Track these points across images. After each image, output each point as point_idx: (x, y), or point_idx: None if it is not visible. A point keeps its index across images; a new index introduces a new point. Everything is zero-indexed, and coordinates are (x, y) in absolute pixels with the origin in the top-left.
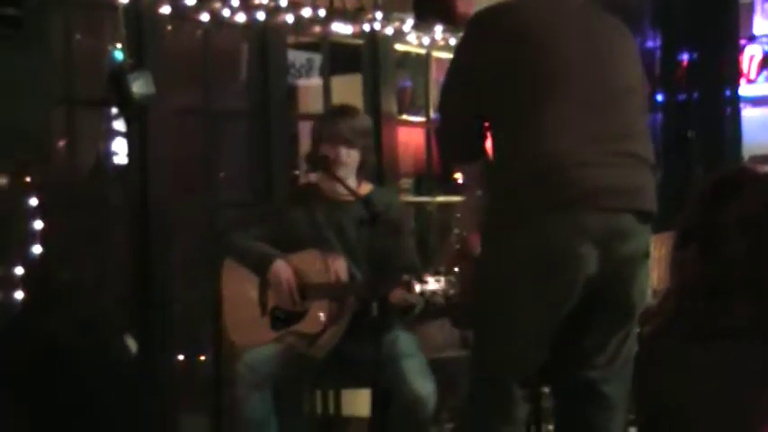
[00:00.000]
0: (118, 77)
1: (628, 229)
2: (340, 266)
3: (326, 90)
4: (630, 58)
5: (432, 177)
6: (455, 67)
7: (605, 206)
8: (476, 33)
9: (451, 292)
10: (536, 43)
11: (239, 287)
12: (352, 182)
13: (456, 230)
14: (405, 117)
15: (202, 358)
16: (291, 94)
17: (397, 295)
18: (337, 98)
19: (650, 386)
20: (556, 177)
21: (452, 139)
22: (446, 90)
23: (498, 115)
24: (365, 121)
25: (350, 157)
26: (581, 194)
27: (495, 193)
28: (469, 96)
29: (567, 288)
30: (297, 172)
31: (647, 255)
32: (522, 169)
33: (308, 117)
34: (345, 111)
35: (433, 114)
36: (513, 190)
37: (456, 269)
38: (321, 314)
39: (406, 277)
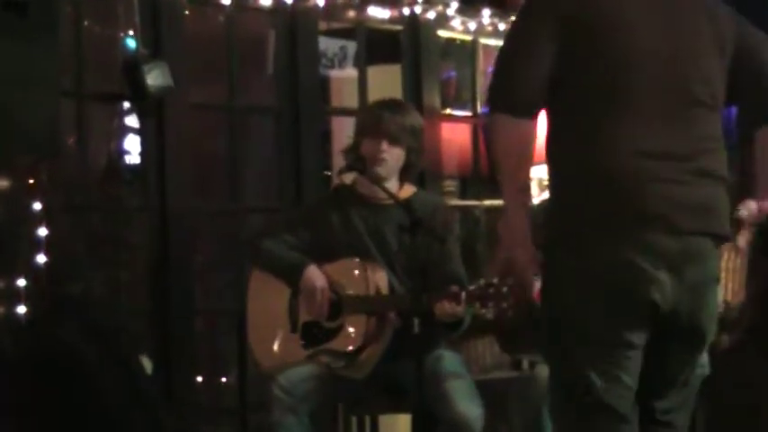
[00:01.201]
0: (131, 69)
1: (702, 252)
2: (380, 277)
3: (362, 82)
4: (717, 56)
5: (479, 178)
6: (515, 31)
7: (680, 228)
8: (530, 19)
9: (504, 305)
10: (604, 32)
11: (267, 300)
12: (392, 184)
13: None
14: (449, 111)
15: (224, 380)
16: (323, 86)
17: (443, 308)
18: (374, 90)
19: (725, 401)
20: (628, 194)
21: (511, 83)
22: (506, 53)
23: (559, 108)
24: (415, 118)
25: (392, 156)
26: (656, 215)
27: (559, 207)
28: (539, 59)
29: (641, 315)
30: (329, 173)
31: (717, 279)
32: (590, 183)
33: (341, 112)
34: (394, 105)
35: (480, 108)
36: (580, 207)
37: (506, 282)
38: (359, 330)
39: (453, 288)
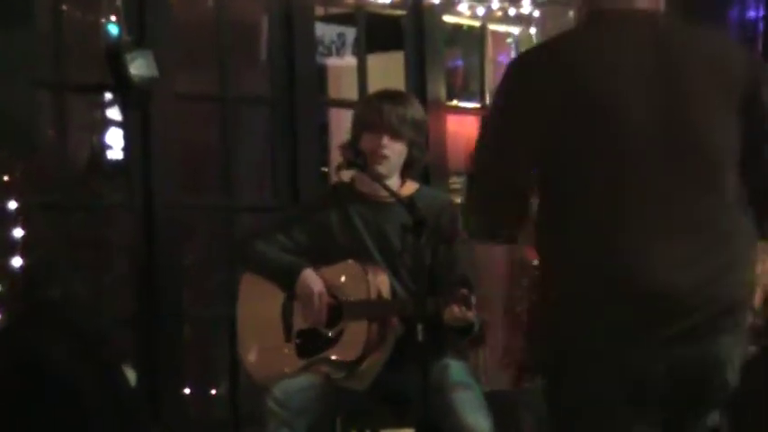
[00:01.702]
0: (114, 57)
1: (718, 357)
2: (382, 281)
3: (362, 71)
4: (723, 112)
5: None
6: (492, 121)
7: (687, 328)
8: (514, 85)
9: (518, 309)
10: (594, 98)
11: (258, 305)
12: (394, 181)
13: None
14: (455, 103)
15: (215, 392)
16: (320, 76)
17: (452, 313)
18: (374, 80)
19: (750, 411)
20: (624, 288)
21: (491, 203)
22: (482, 146)
23: (546, 182)
24: (418, 111)
25: (394, 152)
26: (660, 312)
27: (550, 298)
28: (513, 150)
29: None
30: (326, 169)
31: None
32: (581, 275)
33: (339, 103)
34: (396, 96)
35: (489, 99)
36: (573, 302)
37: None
38: (359, 338)
39: (463, 291)
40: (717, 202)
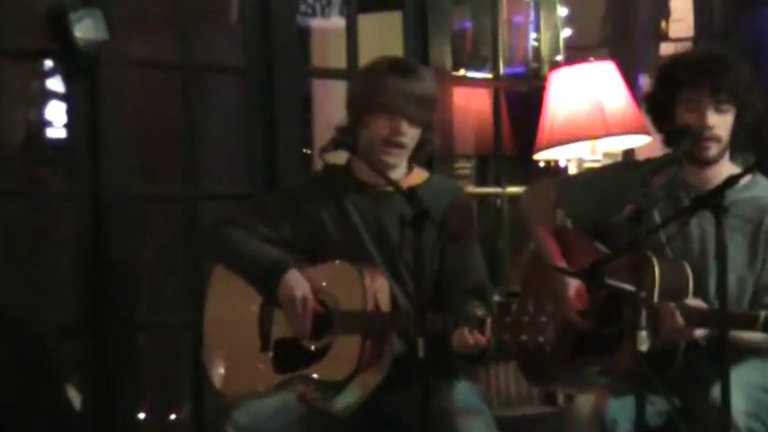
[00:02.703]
0: (56, 18)
1: None
2: (380, 287)
3: (351, 35)
4: None
5: (501, 159)
6: None
7: None
8: None
9: (541, 339)
10: None
11: (232, 305)
12: (400, 170)
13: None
14: (462, 73)
15: (175, 416)
16: (302, 40)
17: (462, 338)
18: (367, 46)
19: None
20: None
21: None
22: None
23: None
24: (432, 87)
25: (411, 138)
26: None
27: None
28: None
29: None
30: (309, 151)
31: None
32: None
33: (324, 73)
34: (407, 68)
35: (503, 68)
36: None
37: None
38: (350, 354)
39: (478, 313)
40: None
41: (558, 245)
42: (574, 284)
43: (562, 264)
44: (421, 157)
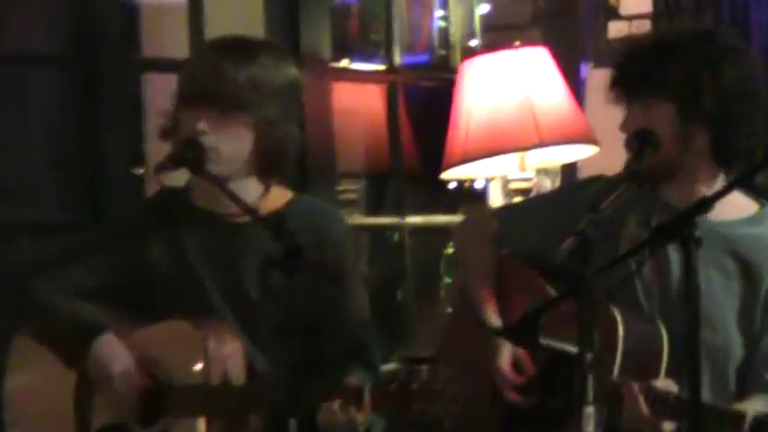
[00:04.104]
0: None
1: None
2: (231, 352)
3: (195, 14)
4: None
5: (401, 179)
6: None
7: None
8: None
9: (437, 409)
10: None
11: (41, 384)
12: (249, 186)
13: (449, 277)
14: (346, 63)
15: None
16: (130, 22)
17: (330, 414)
18: (217, 29)
19: None
20: None
21: None
22: None
23: None
24: (278, 68)
25: (225, 137)
26: None
27: None
28: None
29: None
30: (141, 171)
31: None
32: None
33: (160, 65)
34: (235, 46)
35: (400, 58)
36: None
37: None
38: None
39: (351, 381)
40: None
41: (494, 294)
42: (509, 349)
43: (496, 319)
44: (280, 172)
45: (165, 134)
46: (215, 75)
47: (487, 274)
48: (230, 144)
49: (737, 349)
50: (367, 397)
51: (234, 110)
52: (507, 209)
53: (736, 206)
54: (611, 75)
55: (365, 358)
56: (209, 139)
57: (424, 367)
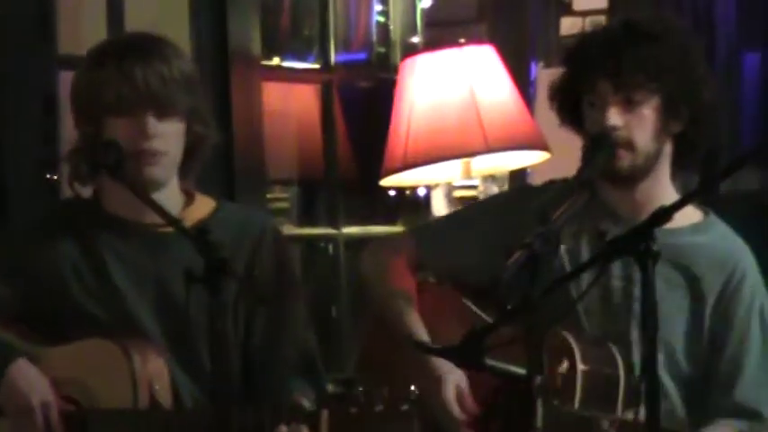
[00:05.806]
0: None
1: None
2: (156, 371)
3: (115, 8)
4: None
5: (336, 186)
6: None
7: None
8: None
9: (406, 424)
10: None
11: None
12: (169, 195)
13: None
14: (277, 62)
15: None
16: (44, 15)
17: None
18: (138, 24)
19: None
20: None
21: None
22: None
23: None
24: (185, 60)
25: (170, 139)
26: None
27: None
28: None
29: None
30: (56, 177)
31: None
32: None
33: (76, 62)
34: (141, 44)
35: (335, 55)
36: None
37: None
38: None
39: (299, 400)
40: None
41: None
42: (456, 377)
43: (424, 334)
44: (197, 167)
45: (76, 152)
46: (147, 78)
47: (409, 298)
48: (171, 145)
49: (683, 366)
50: (324, 421)
51: (172, 109)
52: (429, 226)
53: (681, 213)
54: (575, 63)
55: (310, 373)
56: (155, 144)
57: (386, 388)
